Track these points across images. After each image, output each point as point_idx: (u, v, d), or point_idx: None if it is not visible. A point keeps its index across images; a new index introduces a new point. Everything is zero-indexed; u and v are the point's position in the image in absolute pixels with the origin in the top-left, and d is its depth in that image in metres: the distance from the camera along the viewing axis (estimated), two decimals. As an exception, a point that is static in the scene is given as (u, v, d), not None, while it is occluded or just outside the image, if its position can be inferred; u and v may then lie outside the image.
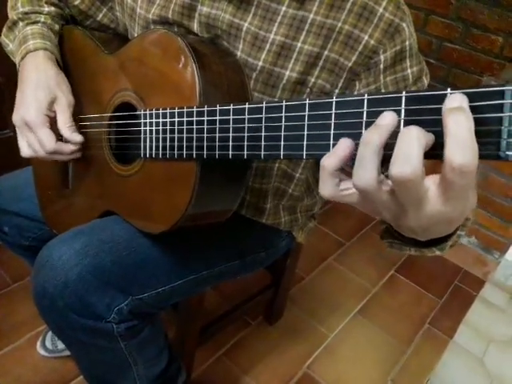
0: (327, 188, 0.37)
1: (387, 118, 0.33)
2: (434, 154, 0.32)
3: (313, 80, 0.67)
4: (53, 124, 0.70)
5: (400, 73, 0.66)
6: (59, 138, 0.71)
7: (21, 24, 0.78)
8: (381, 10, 0.62)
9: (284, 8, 0.64)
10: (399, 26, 0.63)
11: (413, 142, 0.31)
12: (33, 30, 0.75)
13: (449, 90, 0.31)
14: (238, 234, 0.86)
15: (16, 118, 0.70)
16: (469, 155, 0.29)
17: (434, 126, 0.32)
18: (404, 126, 0.33)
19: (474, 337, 1.52)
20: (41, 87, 0.70)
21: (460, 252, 1.83)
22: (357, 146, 0.34)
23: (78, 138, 0.71)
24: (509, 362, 1.45)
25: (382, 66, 0.65)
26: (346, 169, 0.36)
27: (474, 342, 1.49)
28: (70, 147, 0.71)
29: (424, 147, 0.31)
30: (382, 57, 0.64)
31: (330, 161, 0.36)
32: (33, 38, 0.74)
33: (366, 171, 0.33)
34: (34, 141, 0.70)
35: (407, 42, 0.65)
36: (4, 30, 0.81)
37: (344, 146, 0.35)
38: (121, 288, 0.68)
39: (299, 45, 0.65)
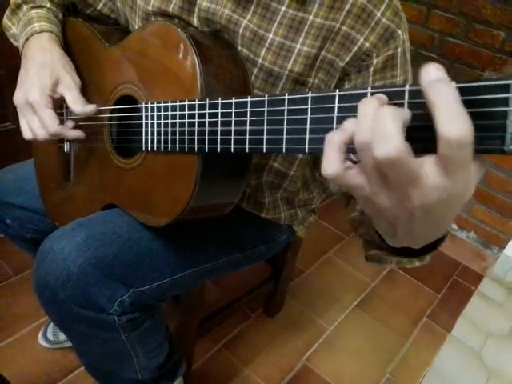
0: (332, 164, 0.34)
1: (348, 124, 0.34)
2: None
3: (311, 80, 0.67)
4: (55, 106, 0.69)
5: (389, 80, 0.66)
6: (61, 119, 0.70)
7: (25, 7, 0.78)
8: (378, 14, 0.62)
9: (284, 8, 0.64)
10: (395, 32, 0.63)
11: (387, 120, 0.30)
12: (38, 14, 0.75)
13: (453, 83, 0.30)
14: (239, 228, 0.87)
15: (18, 96, 0.68)
16: (463, 124, 0.28)
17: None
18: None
19: (471, 331, 1.53)
20: (46, 67, 0.69)
21: (459, 247, 1.84)
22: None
23: (92, 107, 0.69)
24: (506, 355, 1.46)
25: (372, 69, 0.65)
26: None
27: (471, 336, 1.50)
28: (72, 133, 0.70)
29: (402, 123, 0.31)
30: (374, 60, 0.64)
31: (337, 135, 0.34)
32: (38, 20, 0.73)
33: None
34: (35, 122, 0.68)
35: (400, 49, 0.65)
36: (7, 12, 0.80)
37: (351, 123, 0.34)
38: (122, 280, 0.69)
39: (298, 46, 0.65)
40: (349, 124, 0.34)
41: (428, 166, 0.31)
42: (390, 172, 0.31)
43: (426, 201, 0.32)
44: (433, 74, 0.29)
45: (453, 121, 0.28)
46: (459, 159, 0.29)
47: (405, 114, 0.32)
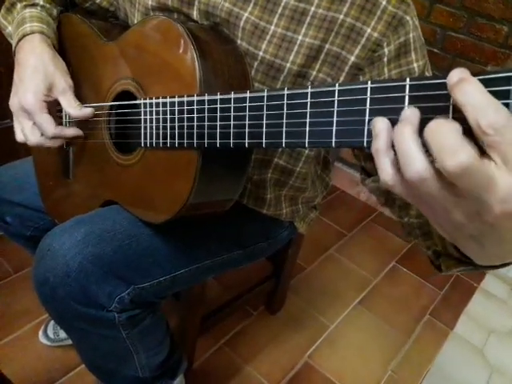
0: (385, 170, 0.33)
1: (408, 112, 0.32)
2: None
3: (314, 73, 0.67)
4: (50, 110, 0.69)
5: (405, 66, 0.65)
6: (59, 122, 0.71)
7: (19, 5, 0.77)
8: (384, 2, 0.61)
9: None
10: (403, 18, 0.62)
11: (448, 131, 0.29)
12: (31, 13, 0.74)
13: None
14: (239, 224, 0.86)
15: (13, 102, 0.69)
16: (490, 112, 0.28)
17: (442, 112, 0.31)
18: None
19: (474, 328, 1.52)
20: (38, 72, 0.69)
21: (461, 243, 1.83)
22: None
23: (89, 110, 0.69)
24: (509, 352, 1.46)
25: (385, 59, 0.64)
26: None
27: (474, 333, 1.50)
28: (70, 131, 0.70)
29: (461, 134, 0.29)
30: (386, 50, 0.63)
31: (377, 142, 0.33)
32: (30, 20, 0.73)
33: (414, 159, 0.30)
34: (27, 127, 0.69)
35: (411, 34, 0.64)
36: (2, 11, 0.80)
37: (381, 123, 0.33)
38: (122, 277, 0.68)
39: (300, 38, 0.64)
40: (380, 126, 0.33)
41: (494, 165, 0.29)
42: (464, 182, 0.29)
43: (506, 206, 0.29)
44: (456, 77, 0.29)
45: (479, 112, 0.28)
46: (505, 145, 0.28)
47: (458, 126, 0.30)
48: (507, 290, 1.73)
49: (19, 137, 0.71)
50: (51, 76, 0.70)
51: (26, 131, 0.69)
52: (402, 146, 0.31)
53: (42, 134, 0.69)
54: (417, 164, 0.30)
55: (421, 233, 0.60)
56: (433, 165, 0.30)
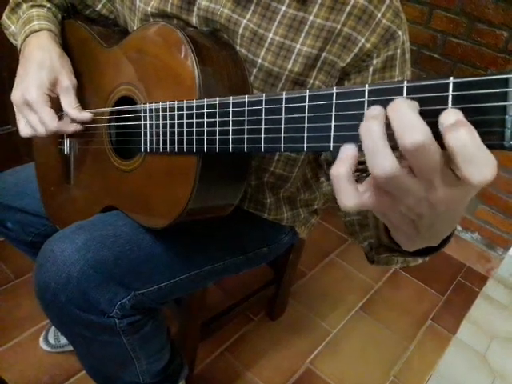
0: (350, 197, 0.34)
1: (346, 152, 0.34)
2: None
3: (311, 81, 0.67)
4: (53, 104, 0.69)
5: (388, 79, 0.66)
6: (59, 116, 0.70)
7: (25, 6, 0.78)
8: (379, 15, 0.62)
9: (284, 8, 0.64)
10: (395, 33, 0.64)
11: (406, 109, 0.30)
12: (38, 13, 0.75)
13: (451, 78, 0.30)
14: (240, 230, 0.86)
15: (16, 95, 0.68)
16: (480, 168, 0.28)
17: (437, 116, 0.31)
18: None
19: (476, 333, 1.51)
20: (44, 67, 0.69)
21: (463, 248, 1.82)
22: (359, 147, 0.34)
23: (87, 115, 0.70)
24: (511, 358, 1.45)
25: (371, 69, 0.65)
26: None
27: (476, 339, 1.49)
28: (71, 127, 0.70)
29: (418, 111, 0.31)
30: (374, 61, 0.65)
31: (342, 168, 0.33)
32: (38, 19, 0.74)
33: (385, 157, 0.31)
34: (34, 120, 0.69)
35: (399, 50, 0.65)
36: (6, 11, 0.81)
37: (349, 149, 0.34)
38: (123, 283, 0.68)
39: (298, 46, 0.65)
40: (346, 151, 0.34)
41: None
42: (417, 160, 0.31)
43: (448, 193, 0.33)
44: (452, 118, 0.29)
45: (472, 165, 0.29)
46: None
47: (416, 104, 0.32)
48: (509, 294, 1.72)
49: (24, 131, 0.71)
50: (57, 72, 0.70)
51: (33, 124, 0.69)
52: (370, 143, 0.31)
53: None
54: (386, 161, 0.31)
55: (359, 228, 0.65)
56: (400, 161, 0.31)
